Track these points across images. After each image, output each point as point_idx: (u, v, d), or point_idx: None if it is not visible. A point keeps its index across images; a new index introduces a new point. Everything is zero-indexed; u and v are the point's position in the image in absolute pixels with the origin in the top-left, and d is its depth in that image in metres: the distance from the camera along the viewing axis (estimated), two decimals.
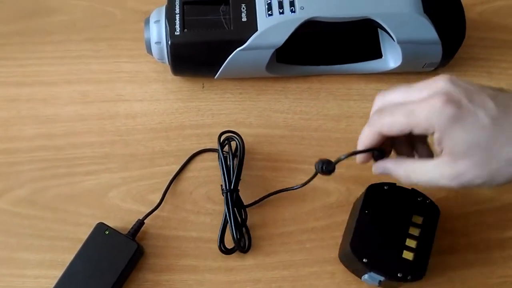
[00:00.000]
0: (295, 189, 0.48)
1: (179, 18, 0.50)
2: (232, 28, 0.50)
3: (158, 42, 0.51)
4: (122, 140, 0.53)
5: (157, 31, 0.51)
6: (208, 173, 0.51)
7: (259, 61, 0.51)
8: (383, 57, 0.55)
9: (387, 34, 0.51)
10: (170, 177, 0.51)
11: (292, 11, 0.49)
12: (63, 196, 0.50)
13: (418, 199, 0.45)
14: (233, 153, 0.49)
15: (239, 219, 0.47)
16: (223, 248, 0.47)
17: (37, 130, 0.53)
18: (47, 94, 0.55)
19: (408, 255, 0.43)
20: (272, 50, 0.50)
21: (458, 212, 0.49)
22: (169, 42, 0.50)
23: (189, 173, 0.52)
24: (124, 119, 0.54)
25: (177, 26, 0.50)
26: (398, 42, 0.50)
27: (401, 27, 0.49)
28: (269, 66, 0.52)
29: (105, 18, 0.59)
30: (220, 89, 0.55)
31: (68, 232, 0.49)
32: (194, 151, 0.52)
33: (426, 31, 0.50)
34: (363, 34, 0.53)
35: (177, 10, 0.50)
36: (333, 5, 0.49)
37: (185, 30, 0.50)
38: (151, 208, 0.49)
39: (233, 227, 0.47)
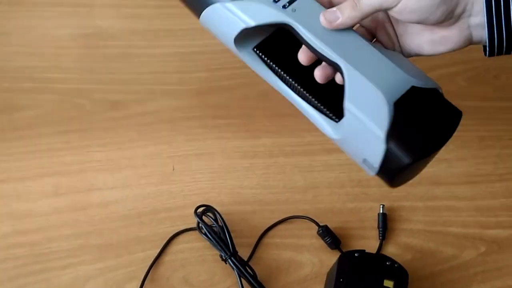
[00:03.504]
0: None
1: None
2: None
3: None
4: (96, 230, 0.54)
5: None
6: (184, 255, 0.53)
7: (230, 28, 0.47)
8: (338, 123, 0.47)
9: None
10: (146, 264, 0.52)
11: (284, 7, 0.46)
12: None
13: (387, 263, 0.47)
14: (213, 222, 0.52)
15: (252, 274, 0.49)
16: None
17: (11, 227, 0.53)
18: (19, 190, 0.56)
19: None
20: (242, 26, 0.45)
21: (425, 273, 0.52)
22: None
23: (165, 257, 0.53)
24: (97, 208, 0.55)
25: None
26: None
27: None
28: (240, 43, 0.48)
29: (75, 110, 0.61)
30: (190, 171, 0.58)
31: None
32: (168, 234, 0.54)
33: None
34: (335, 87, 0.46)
35: None
36: (319, 30, 0.45)
37: None
38: None
39: (253, 282, 0.49)
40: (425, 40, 0.44)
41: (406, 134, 0.42)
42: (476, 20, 0.41)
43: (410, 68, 0.45)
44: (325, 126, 0.48)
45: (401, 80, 0.44)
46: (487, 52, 0.42)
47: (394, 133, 0.41)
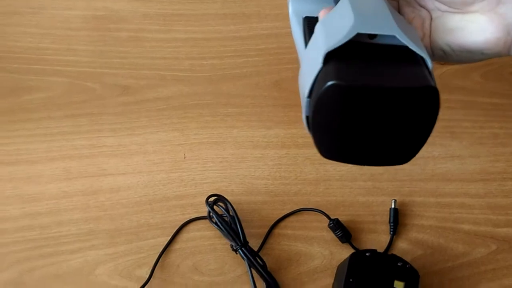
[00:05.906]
0: None
1: None
2: None
3: None
4: (107, 215, 0.54)
5: None
6: (194, 243, 0.53)
7: None
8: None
9: None
10: (156, 251, 0.52)
11: None
12: (50, 276, 0.50)
13: (398, 264, 0.47)
14: (224, 212, 0.51)
15: (262, 264, 0.50)
16: None
17: (21, 210, 0.53)
18: (30, 173, 0.55)
19: None
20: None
21: (435, 269, 0.52)
22: None
23: (175, 245, 0.53)
24: (108, 193, 0.55)
25: None
26: None
27: None
28: None
29: (85, 94, 0.60)
30: (202, 159, 0.57)
31: None
32: (179, 222, 0.53)
33: None
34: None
35: None
36: None
37: None
38: (139, 285, 0.49)
39: (263, 272, 0.49)
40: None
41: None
42: None
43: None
44: None
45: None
46: None
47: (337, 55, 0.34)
